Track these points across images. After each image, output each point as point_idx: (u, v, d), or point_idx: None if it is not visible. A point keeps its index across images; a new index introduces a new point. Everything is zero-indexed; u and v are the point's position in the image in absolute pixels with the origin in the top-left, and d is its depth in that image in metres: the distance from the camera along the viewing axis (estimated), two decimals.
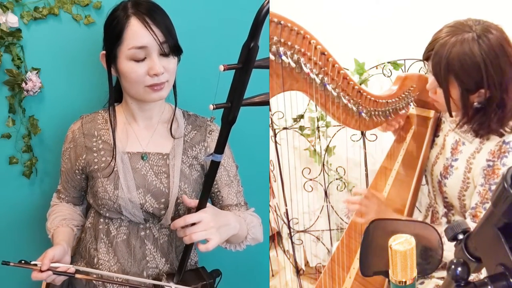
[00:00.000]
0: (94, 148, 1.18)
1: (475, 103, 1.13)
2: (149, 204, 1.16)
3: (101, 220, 1.21)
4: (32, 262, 1.04)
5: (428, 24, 1.71)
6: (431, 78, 1.19)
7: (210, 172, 0.97)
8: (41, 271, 1.02)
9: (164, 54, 1.09)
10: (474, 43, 1.07)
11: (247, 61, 0.78)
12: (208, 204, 1.04)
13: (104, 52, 1.14)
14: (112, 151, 1.16)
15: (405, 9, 1.82)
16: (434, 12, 1.75)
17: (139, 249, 1.19)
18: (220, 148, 0.92)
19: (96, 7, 1.34)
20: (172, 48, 1.09)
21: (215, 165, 0.96)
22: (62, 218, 1.23)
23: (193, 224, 1.01)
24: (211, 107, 0.83)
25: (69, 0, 1.32)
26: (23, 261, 1.03)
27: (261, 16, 0.74)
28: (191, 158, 1.20)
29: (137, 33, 1.06)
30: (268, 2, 0.74)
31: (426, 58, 1.18)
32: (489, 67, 1.07)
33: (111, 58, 1.11)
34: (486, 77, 1.07)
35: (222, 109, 0.86)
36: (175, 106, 1.21)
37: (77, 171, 1.22)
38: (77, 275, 1.08)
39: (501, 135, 1.12)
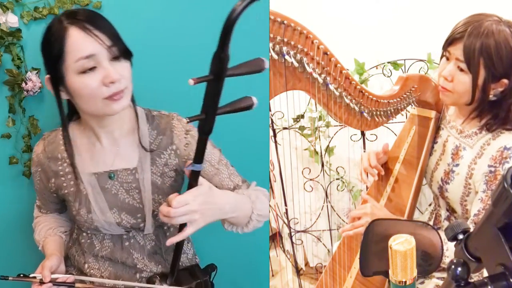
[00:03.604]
0: (61, 172, 1.13)
1: (490, 95, 1.14)
2: (125, 221, 1.13)
3: (84, 234, 1.18)
4: (31, 275, 1.03)
5: (428, 24, 1.71)
6: (450, 64, 1.16)
7: (191, 181, 0.94)
8: (41, 283, 1.01)
9: (115, 58, 0.99)
10: (508, 32, 1.09)
11: (219, 71, 0.74)
12: (204, 181, 0.97)
13: (48, 76, 1.03)
14: (76, 176, 1.10)
15: (405, 9, 1.82)
16: (434, 12, 1.75)
17: (127, 259, 1.17)
18: (199, 158, 0.88)
19: (96, 7, 1.34)
20: (122, 51, 1.00)
21: (195, 175, 0.93)
22: (49, 228, 1.22)
23: None
24: (185, 120, 0.80)
25: (69, 0, 1.32)
26: (21, 275, 1.02)
27: (230, 23, 0.68)
28: (161, 167, 1.12)
29: (80, 42, 0.95)
30: (240, 11, 0.67)
31: (451, 41, 1.15)
32: None
33: (58, 79, 1.00)
34: None
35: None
36: (135, 111, 1.12)
37: (51, 191, 1.18)
38: (77, 285, 1.07)
39: None
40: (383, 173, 1.43)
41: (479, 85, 1.13)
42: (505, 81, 1.11)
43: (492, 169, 1.12)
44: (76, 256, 1.21)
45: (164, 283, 1.12)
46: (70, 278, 1.05)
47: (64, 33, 0.96)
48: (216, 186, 1.11)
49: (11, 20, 1.28)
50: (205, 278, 1.17)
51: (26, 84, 1.30)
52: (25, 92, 1.32)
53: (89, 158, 1.11)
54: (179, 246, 1.06)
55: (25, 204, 1.45)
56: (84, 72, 0.96)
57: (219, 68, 0.73)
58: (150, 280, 1.17)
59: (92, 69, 0.96)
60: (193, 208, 0.94)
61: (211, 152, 1.15)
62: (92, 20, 0.97)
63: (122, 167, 1.11)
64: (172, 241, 0.97)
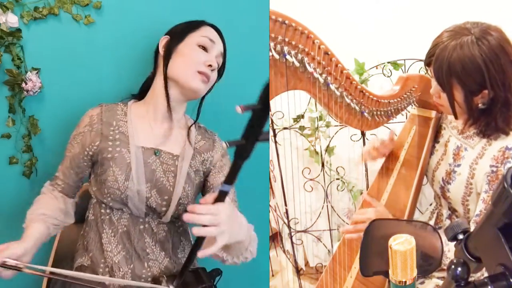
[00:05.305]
0: (110, 137, 1.20)
1: (479, 104, 1.14)
2: (153, 199, 1.19)
3: (102, 211, 1.21)
4: None
5: (428, 24, 1.71)
6: (434, 83, 1.20)
7: (217, 200, 0.93)
8: None
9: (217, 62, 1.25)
10: (474, 45, 1.08)
11: (267, 101, 0.74)
12: (228, 200, 1.00)
13: (167, 37, 1.26)
14: (128, 144, 1.21)
15: (405, 9, 1.82)
16: (434, 12, 1.75)
17: (138, 241, 1.21)
18: (230, 179, 0.87)
19: (96, 7, 1.34)
20: (220, 66, 1.28)
21: (223, 195, 0.92)
22: (42, 213, 1.18)
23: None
24: (224, 145, 0.83)
25: (69, 0, 1.32)
26: None
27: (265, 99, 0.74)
28: (198, 164, 1.26)
29: (212, 32, 1.26)
30: None
31: (427, 63, 1.19)
32: (490, 68, 1.07)
33: (177, 41, 1.23)
34: (488, 78, 1.08)
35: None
36: (197, 118, 1.32)
37: (85, 157, 1.22)
38: (26, 270, 1.01)
39: (507, 133, 1.13)
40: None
41: (459, 102, 1.16)
42: (486, 91, 1.11)
43: (494, 169, 1.12)
44: (93, 236, 1.21)
45: (171, 285, 1.12)
46: (20, 264, 1.01)
47: (202, 24, 1.27)
48: None
49: (11, 20, 1.28)
50: (210, 283, 1.17)
51: (26, 84, 1.31)
52: (25, 92, 1.32)
53: (141, 132, 1.24)
54: (194, 250, 1.03)
55: (25, 205, 1.44)
56: (199, 46, 1.23)
57: (267, 97, 0.73)
58: (156, 280, 1.17)
59: (204, 49, 1.23)
60: (221, 220, 0.94)
61: (232, 197, 1.27)
62: (220, 33, 1.29)
63: (167, 150, 1.24)
64: (205, 253, 0.97)
